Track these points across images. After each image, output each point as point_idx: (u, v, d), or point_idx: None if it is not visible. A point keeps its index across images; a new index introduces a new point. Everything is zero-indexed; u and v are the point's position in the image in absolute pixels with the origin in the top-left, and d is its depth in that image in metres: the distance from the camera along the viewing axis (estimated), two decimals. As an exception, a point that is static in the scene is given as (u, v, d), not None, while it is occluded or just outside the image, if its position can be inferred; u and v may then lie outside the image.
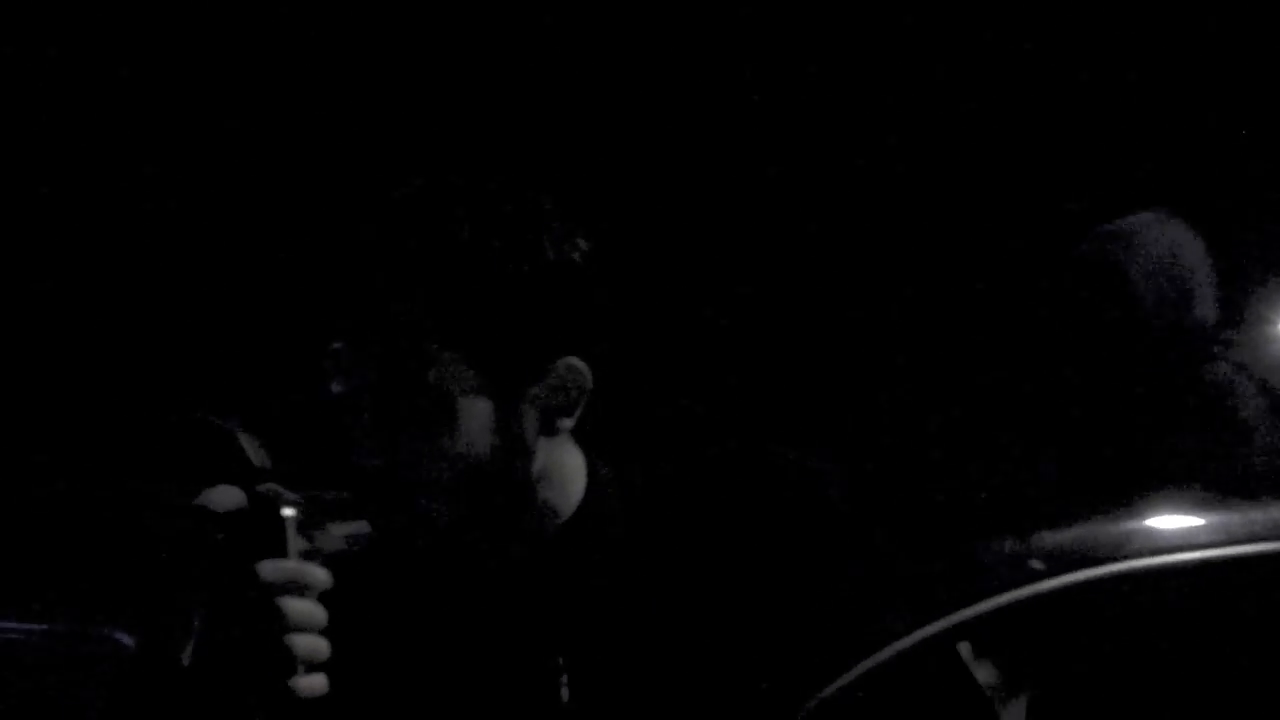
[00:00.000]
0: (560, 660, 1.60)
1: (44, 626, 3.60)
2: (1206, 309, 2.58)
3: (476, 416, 1.56)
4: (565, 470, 1.63)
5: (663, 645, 1.60)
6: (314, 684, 1.44)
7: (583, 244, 1.60)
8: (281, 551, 1.46)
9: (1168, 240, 2.59)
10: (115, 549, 3.60)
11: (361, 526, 1.62)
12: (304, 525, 1.50)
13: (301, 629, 1.44)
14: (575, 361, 1.59)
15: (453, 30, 5.36)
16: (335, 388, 1.58)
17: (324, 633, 1.47)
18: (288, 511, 1.47)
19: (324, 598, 1.49)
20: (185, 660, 1.45)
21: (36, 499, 4.03)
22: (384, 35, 5.35)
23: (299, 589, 1.46)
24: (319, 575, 1.47)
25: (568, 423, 1.61)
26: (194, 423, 3.58)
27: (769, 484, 1.64)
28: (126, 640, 3.37)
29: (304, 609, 1.45)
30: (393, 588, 1.65)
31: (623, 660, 1.60)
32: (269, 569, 1.45)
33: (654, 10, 5.43)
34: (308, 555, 1.49)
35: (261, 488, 1.52)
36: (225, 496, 1.55)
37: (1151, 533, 1.73)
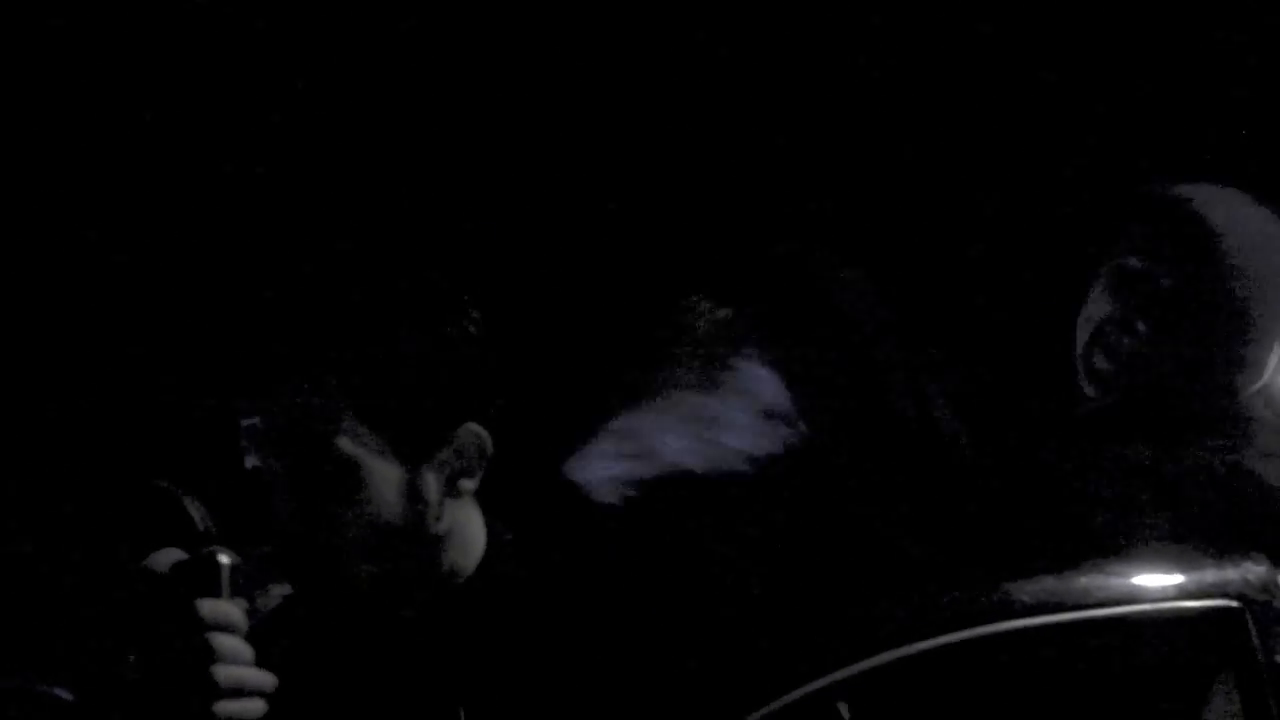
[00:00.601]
0: (461, 713, 1.70)
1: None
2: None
3: (386, 481, 1.67)
4: (468, 531, 1.74)
5: (557, 700, 1.69)
6: (235, 709, 1.56)
7: (477, 317, 1.73)
8: (217, 594, 1.59)
9: None
10: (59, 610, 3.67)
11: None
12: (245, 583, 1.65)
13: (229, 661, 1.57)
14: (476, 427, 1.71)
15: (349, 108, 5.44)
16: (251, 461, 1.69)
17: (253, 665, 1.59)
18: (224, 559, 1.60)
19: (258, 649, 1.60)
20: (119, 708, 1.58)
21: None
22: (286, 116, 5.43)
23: (229, 627, 1.58)
24: (242, 616, 1.60)
25: (470, 485, 1.72)
26: (141, 487, 3.65)
27: (658, 547, 1.79)
28: (66, 696, 3.44)
29: (232, 644, 1.58)
30: (313, 643, 1.75)
31: (519, 713, 1.70)
32: (207, 607, 1.57)
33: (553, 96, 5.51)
34: (248, 613, 1.64)
35: (206, 550, 1.65)
36: (168, 559, 1.70)
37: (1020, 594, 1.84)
